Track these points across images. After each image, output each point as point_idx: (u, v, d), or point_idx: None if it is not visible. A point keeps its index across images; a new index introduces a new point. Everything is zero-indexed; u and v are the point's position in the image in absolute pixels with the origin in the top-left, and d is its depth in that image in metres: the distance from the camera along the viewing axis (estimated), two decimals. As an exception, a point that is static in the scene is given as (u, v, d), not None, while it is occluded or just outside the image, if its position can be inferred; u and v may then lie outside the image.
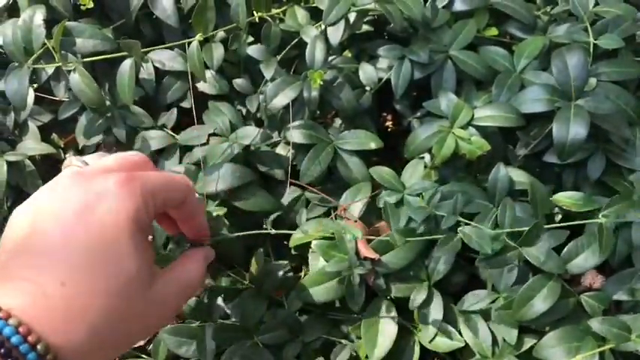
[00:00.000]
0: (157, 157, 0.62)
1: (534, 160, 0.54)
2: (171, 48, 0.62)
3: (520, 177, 0.52)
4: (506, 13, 0.58)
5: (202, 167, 0.56)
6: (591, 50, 0.53)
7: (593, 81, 0.52)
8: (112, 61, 0.59)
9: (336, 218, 0.53)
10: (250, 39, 0.62)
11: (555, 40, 0.55)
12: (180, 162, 0.60)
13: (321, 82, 0.54)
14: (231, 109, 0.62)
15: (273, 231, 0.49)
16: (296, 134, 0.56)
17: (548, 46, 0.56)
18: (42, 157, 0.68)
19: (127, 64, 0.57)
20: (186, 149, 0.60)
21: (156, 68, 0.63)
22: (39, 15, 0.57)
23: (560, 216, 0.52)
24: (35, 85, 0.61)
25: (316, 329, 0.52)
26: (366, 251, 0.49)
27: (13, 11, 0.61)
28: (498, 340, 0.49)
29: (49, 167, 0.72)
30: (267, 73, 0.59)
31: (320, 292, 0.50)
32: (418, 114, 0.59)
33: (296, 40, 0.60)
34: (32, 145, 0.64)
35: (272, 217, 0.50)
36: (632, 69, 0.53)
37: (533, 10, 0.59)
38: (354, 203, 0.54)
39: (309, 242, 0.51)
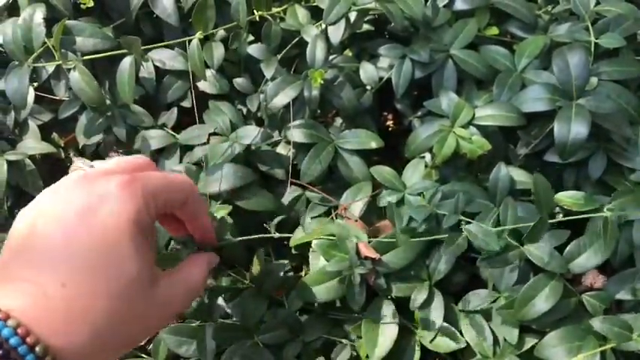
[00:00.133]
0: (157, 156, 0.62)
1: (535, 160, 0.54)
2: (171, 47, 0.62)
3: (521, 176, 0.52)
4: (507, 12, 0.57)
5: (204, 167, 0.55)
6: (592, 49, 0.53)
7: (594, 80, 0.52)
8: (112, 59, 0.59)
9: (336, 218, 0.53)
10: (251, 38, 0.62)
11: (556, 40, 0.55)
12: (181, 161, 0.60)
13: (322, 82, 0.54)
14: (231, 108, 0.62)
15: (277, 234, 0.49)
16: (297, 133, 0.56)
17: (549, 45, 0.55)
18: (42, 156, 0.68)
19: (127, 63, 0.57)
20: (187, 149, 0.60)
21: (156, 67, 0.63)
22: (39, 14, 0.57)
23: (561, 215, 0.52)
24: (35, 84, 0.61)
25: (317, 329, 0.51)
26: (367, 251, 0.49)
27: (13, 10, 0.61)
28: (499, 340, 0.49)
29: (49, 166, 0.72)
30: (268, 73, 0.59)
31: (320, 292, 0.50)
32: (419, 113, 0.59)
33: (297, 39, 0.60)
34: (32, 144, 0.64)
35: (276, 220, 0.50)
36: (633, 68, 0.53)
37: (534, 9, 0.59)
38: (355, 203, 0.54)
39: (310, 242, 0.51)
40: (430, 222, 0.49)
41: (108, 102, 0.61)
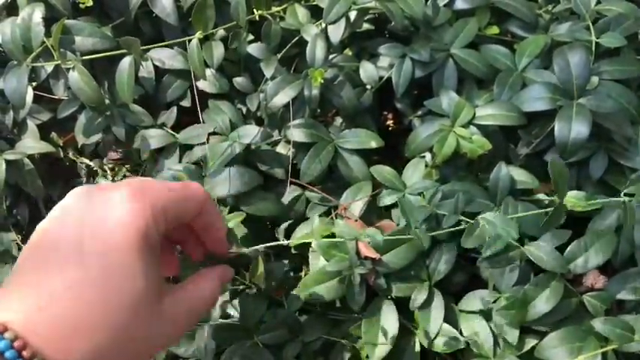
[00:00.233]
0: (157, 155, 0.62)
1: (536, 159, 0.54)
2: (170, 46, 0.62)
3: (522, 176, 0.51)
4: (507, 12, 0.57)
5: (204, 167, 0.55)
6: (593, 49, 0.53)
7: (595, 79, 0.52)
8: (112, 59, 0.58)
9: (336, 217, 0.53)
10: (250, 37, 0.62)
11: (557, 39, 0.55)
12: (180, 161, 0.60)
13: (322, 81, 0.53)
14: (231, 107, 0.62)
15: (286, 241, 0.48)
16: (296, 133, 0.56)
17: (549, 44, 0.55)
18: (41, 155, 0.68)
19: (126, 62, 0.57)
20: (186, 148, 0.60)
21: (155, 67, 0.63)
22: (38, 13, 0.56)
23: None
24: (34, 84, 0.61)
25: (316, 329, 0.51)
26: (367, 251, 0.49)
27: (11, 9, 0.61)
28: (499, 341, 0.49)
29: (48, 166, 0.72)
30: (268, 72, 0.58)
31: (320, 292, 0.49)
32: (419, 113, 0.59)
33: (296, 38, 0.60)
34: (31, 143, 0.63)
35: (283, 226, 0.49)
36: (634, 67, 0.53)
37: (535, 9, 0.59)
38: (355, 202, 0.54)
39: (310, 241, 0.51)
40: (430, 222, 0.49)
41: (107, 101, 0.61)
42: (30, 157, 0.62)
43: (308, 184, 0.56)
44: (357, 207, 0.54)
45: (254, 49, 0.61)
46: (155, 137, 0.60)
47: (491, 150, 0.50)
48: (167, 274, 0.39)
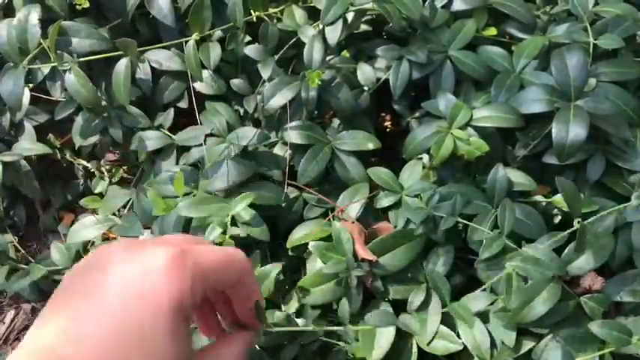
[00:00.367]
0: (154, 157, 0.62)
1: (533, 161, 0.53)
2: (167, 48, 0.62)
3: (519, 178, 0.51)
4: (505, 13, 0.57)
5: (201, 168, 0.55)
6: (591, 50, 0.52)
7: (592, 81, 0.52)
8: (109, 60, 0.58)
9: (333, 219, 0.53)
10: (248, 38, 0.62)
11: (555, 40, 0.55)
12: (177, 163, 0.60)
13: (319, 82, 0.53)
14: (228, 109, 0.62)
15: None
16: (293, 135, 0.56)
17: (547, 46, 0.55)
18: (38, 157, 0.67)
19: (122, 64, 0.57)
20: (184, 150, 0.60)
21: (152, 68, 0.63)
22: (34, 14, 0.56)
23: (559, 217, 0.52)
24: (31, 85, 0.61)
25: (314, 331, 0.51)
26: (364, 253, 0.49)
27: (8, 11, 0.61)
28: (497, 343, 0.48)
29: (45, 168, 0.72)
30: (265, 73, 0.58)
31: (317, 294, 0.49)
32: (417, 114, 0.59)
33: (294, 39, 0.59)
34: (28, 145, 0.63)
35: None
36: (632, 69, 0.53)
37: (533, 10, 0.59)
38: (352, 204, 0.54)
39: (307, 243, 0.51)
40: (427, 224, 0.49)
41: (104, 103, 0.61)
42: (27, 158, 0.62)
43: (305, 186, 0.56)
44: (354, 209, 0.53)
45: (251, 50, 0.61)
46: (152, 139, 0.60)
47: (488, 152, 0.50)
48: (208, 334, 0.37)
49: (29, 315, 0.73)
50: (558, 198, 0.50)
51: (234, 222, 0.51)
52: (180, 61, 0.62)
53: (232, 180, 0.53)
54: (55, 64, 0.56)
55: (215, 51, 0.61)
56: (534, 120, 0.52)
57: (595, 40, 0.53)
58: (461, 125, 0.51)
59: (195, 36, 0.57)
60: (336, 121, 0.61)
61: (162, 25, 0.62)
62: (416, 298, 0.49)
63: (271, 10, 0.60)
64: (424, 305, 0.49)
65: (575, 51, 0.50)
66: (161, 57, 0.63)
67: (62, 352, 0.25)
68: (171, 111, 0.64)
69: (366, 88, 0.58)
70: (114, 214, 0.61)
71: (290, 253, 0.54)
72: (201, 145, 0.57)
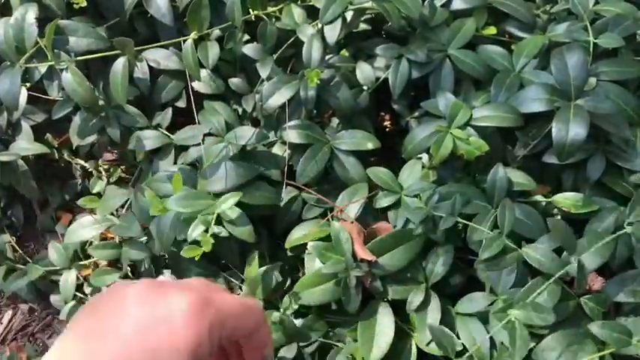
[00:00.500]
0: (152, 157, 0.61)
1: (533, 161, 0.53)
2: (166, 47, 0.61)
3: (519, 178, 0.51)
4: (505, 12, 0.57)
5: (199, 168, 0.55)
6: (591, 49, 0.52)
7: (592, 80, 0.51)
8: (106, 59, 0.58)
9: (332, 219, 0.53)
10: (246, 37, 0.61)
11: (555, 39, 0.55)
12: (176, 162, 0.59)
13: (318, 82, 0.53)
14: (226, 108, 0.61)
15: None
16: (292, 134, 0.56)
17: (547, 45, 0.55)
18: (35, 157, 0.67)
19: (120, 63, 0.56)
20: (182, 149, 0.59)
21: (150, 67, 0.63)
22: (31, 13, 0.56)
23: (559, 217, 0.52)
24: (28, 85, 0.60)
25: (312, 332, 0.51)
26: (363, 253, 0.48)
27: (5, 9, 0.60)
28: (496, 343, 0.48)
29: (42, 167, 0.72)
30: (264, 72, 0.58)
31: (316, 295, 0.49)
32: (416, 114, 0.59)
33: (292, 38, 0.59)
34: (25, 145, 0.63)
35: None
36: (632, 68, 0.52)
37: (533, 9, 0.59)
38: (351, 204, 0.53)
39: (305, 243, 0.51)
40: (427, 224, 0.49)
41: (101, 102, 0.60)
42: (24, 158, 0.62)
43: (304, 186, 0.56)
44: (354, 209, 0.53)
45: (250, 49, 0.60)
46: (150, 138, 0.60)
47: (488, 151, 0.49)
48: None
49: (26, 315, 0.72)
50: (558, 198, 0.50)
51: (219, 221, 0.50)
52: (178, 60, 0.62)
53: (231, 183, 0.53)
54: (52, 63, 0.56)
55: (213, 50, 0.61)
56: (534, 119, 0.52)
57: (595, 39, 0.53)
58: (460, 125, 0.51)
59: (193, 35, 0.57)
60: (335, 121, 0.60)
61: (160, 24, 0.62)
62: (415, 298, 0.49)
63: (270, 9, 0.59)
64: (423, 305, 0.49)
65: (575, 50, 0.50)
66: (159, 56, 0.62)
67: None
68: (170, 110, 0.63)
69: (365, 87, 0.58)
70: (112, 214, 0.61)
71: (289, 253, 0.54)
72: (199, 144, 0.57)
